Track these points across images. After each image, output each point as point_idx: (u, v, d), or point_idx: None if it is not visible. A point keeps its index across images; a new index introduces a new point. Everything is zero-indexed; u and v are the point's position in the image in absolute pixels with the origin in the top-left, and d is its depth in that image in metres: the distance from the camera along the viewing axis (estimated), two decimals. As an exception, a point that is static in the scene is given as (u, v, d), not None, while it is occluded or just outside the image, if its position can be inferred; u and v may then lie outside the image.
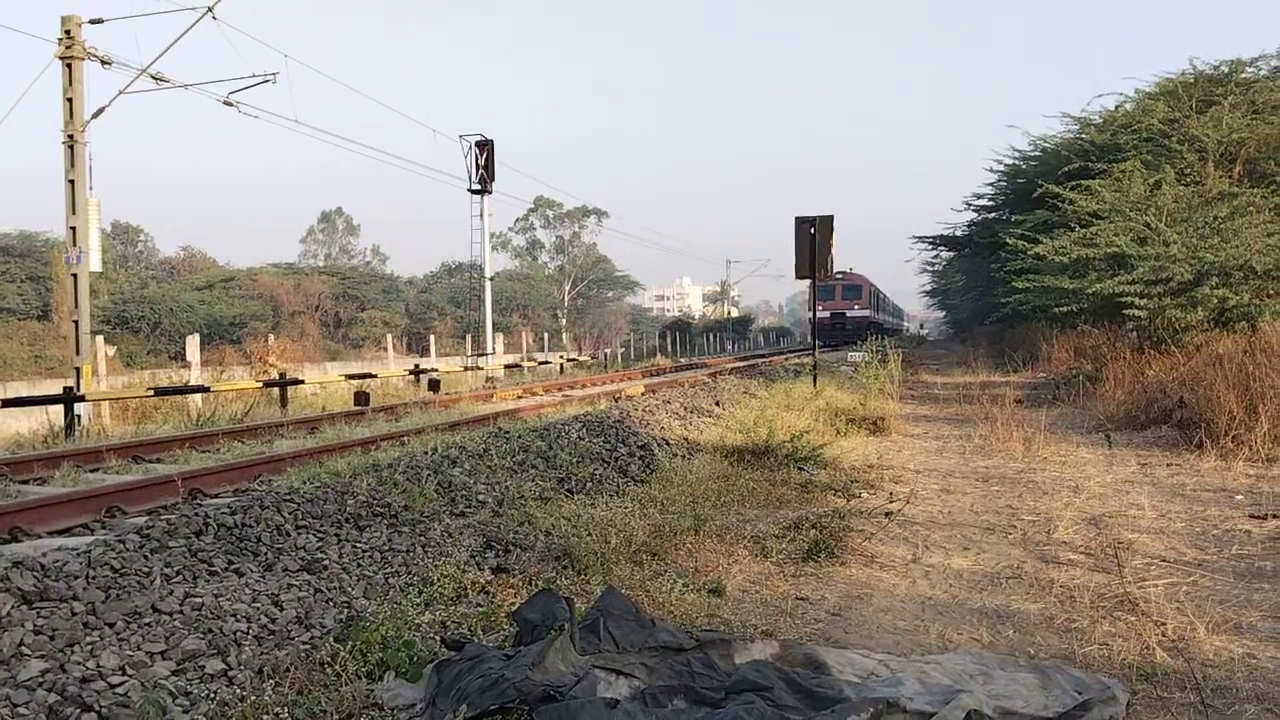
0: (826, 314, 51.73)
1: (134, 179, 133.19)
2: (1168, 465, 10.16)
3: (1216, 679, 4.18)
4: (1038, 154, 28.34)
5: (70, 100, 16.40)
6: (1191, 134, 20.59)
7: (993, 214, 34.31)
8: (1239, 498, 8.31)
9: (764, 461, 9.73)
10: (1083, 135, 25.00)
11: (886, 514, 7.61)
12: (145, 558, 5.01)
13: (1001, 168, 31.33)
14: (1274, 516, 7.37)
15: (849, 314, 51.55)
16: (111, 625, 4.27)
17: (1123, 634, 4.78)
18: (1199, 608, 5.15)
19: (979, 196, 35.44)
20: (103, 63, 16.72)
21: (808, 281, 19.11)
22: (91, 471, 9.46)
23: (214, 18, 17.49)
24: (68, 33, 16.29)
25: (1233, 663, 4.40)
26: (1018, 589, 5.71)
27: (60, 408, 14.22)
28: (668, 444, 10.80)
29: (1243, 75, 23.11)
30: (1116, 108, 25.10)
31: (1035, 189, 22.29)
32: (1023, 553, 6.60)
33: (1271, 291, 17.13)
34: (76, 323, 16.69)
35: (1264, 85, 21.81)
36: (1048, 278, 19.28)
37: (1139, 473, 9.80)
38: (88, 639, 4.11)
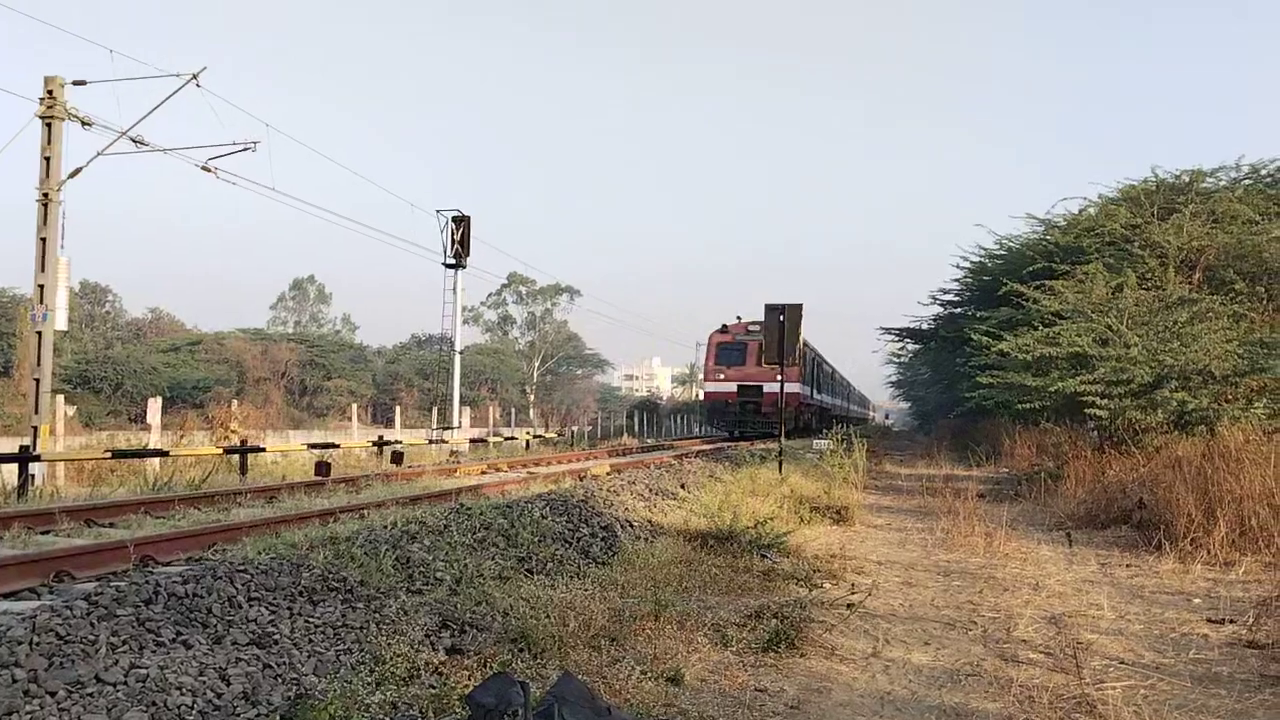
0: (732, 387, 35.20)
1: (105, 238, 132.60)
2: (1127, 566, 10.22)
3: (1173, 786, 4.16)
4: (1003, 253, 28.98)
5: (48, 159, 16.44)
6: (1153, 239, 21.15)
7: (958, 309, 34.87)
8: (1197, 601, 8.36)
9: (727, 547, 9.68)
10: (1047, 236, 25.61)
11: (848, 605, 7.57)
12: (92, 625, 4.89)
13: (968, 264, 31.98)
14: (1231, 621, 7.41)
15: (767, 388, 32.40)
16: (53, 694, 4.14)
17: (1080, 736, 4.76)
18: (1156, 712, 5.14)
19: (945, 291, 36.10)
20: (83, 123, 16.79)
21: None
22: (42, 534, 9.26)
23: (198, 85, 17.68)
24: (50, 93, 16.39)
25: (1189, 769, 4.38)
26: (977, 687, 5.68)
27: (14, 466, 13.96)
28: (631, 525, 10.73)
29: (1203, 185, 23.88)
30: (1080, 211, 25.81)
31: (1000, 286, 22.73)
32: (982, 650, 6.58)
33: (1230, 396, 17.44)
34: (38, 381, 16.48)
35: (1223, 195, 22.52)
36: (1011, 374, 19.53)
37: (1099, 572, 9.84)
38: (27, 708, 3.99)
